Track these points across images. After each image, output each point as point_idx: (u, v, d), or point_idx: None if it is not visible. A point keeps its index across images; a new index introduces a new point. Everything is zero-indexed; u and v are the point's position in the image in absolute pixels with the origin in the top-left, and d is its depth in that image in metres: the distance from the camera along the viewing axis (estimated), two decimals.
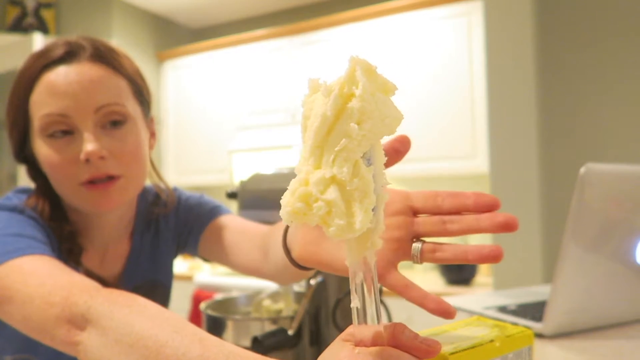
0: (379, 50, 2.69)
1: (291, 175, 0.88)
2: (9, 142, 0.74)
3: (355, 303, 0.37)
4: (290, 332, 0.71)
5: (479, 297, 0.98)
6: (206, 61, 3.27)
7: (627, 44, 2.44)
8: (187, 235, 0.86)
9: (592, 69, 2.50)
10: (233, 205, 0.94)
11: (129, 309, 0.51)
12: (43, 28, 3.08)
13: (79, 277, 0.58)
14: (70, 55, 0.69)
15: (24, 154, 0.73)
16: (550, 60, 2.56)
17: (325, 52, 2.84)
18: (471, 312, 0.87)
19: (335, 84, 0.35)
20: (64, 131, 0.67)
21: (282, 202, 0.33)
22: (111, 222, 0.77)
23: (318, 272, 0.76)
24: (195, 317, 2.67)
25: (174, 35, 3.63)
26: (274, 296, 0.90)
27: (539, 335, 0.75)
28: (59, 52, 0.69)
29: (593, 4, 2.50)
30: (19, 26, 3.07)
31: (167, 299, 0.90)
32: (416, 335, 0.38)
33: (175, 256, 0.89)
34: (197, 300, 2.66)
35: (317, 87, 0.36)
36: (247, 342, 0.71)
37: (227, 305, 0.90)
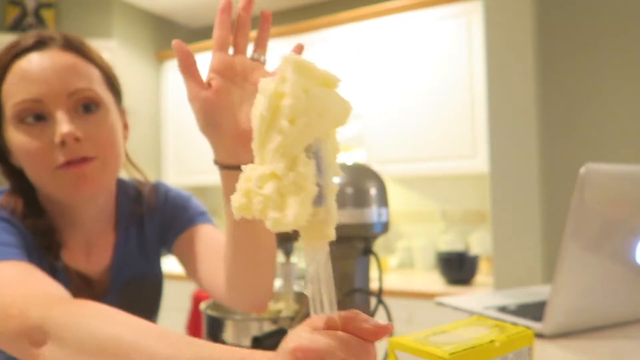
0: (379, 50, 2.69)
1: None
2: None
3: (310, 292, 0.40)
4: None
5: (479, 297, 0.98)
6: (206, 61, 3.26)
7: (627, 43, 2.44)
8: (167, 232, 0.85)
9: (592, 68, 2.50)
10: None
11: (90, 319, 0.50)
12: (43, 28, 3.09)
13: (42, 287, 0.57)
14: (41, 44, 0.69)
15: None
16: (550, 60, 2.56)
17: (325, 52, 2.84)
18: (471, 312, 0.87)
19: (272, 84, 0.35)
20: (38, 117, 0.67)
21: (231, 197, 0.35)
22: (91, 213, 0.76)
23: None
24: (195, 317, 2.67)
25: (174, 35, 3.62)
26: (274, 296, 0.90)
27: (539, 335, 0.75)
28: (30, 41, 0.69)
29: (593, 4, 2.50)
30: (19, 26, 3.07)
31: (159, 294, 0.88)
32: (368, 319, 0.40)
33: (162, 251, 0.87)
34: (197, 300, 2.65)
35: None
36: (247, 342, 0.71)
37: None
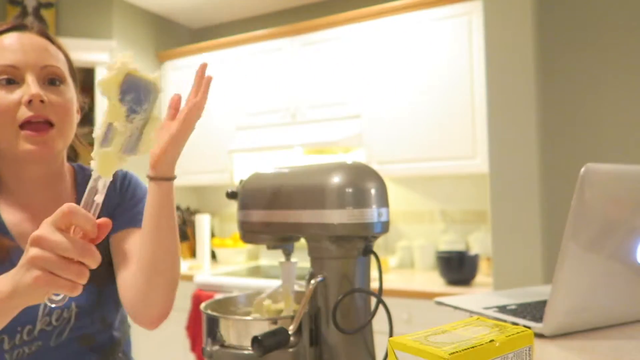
0: (379, 50, 2.69)
1: (291, 175, 0.88)
2: None
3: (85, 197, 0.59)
4: (290, 332, 0.71)
5: (479, 297, 0.98)
6: (206, 61, 3.26)
7: (627, 43, 2.44)
8: (115, 216, 0.92)
9: (591, 68, 2.50)
10: (233, 205, 0.94)
11: None
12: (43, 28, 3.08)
13: None
14: (22, 26, 0.85)
15: None
16: (550, 60, 2.56)
17: (325, 52, 2.84)
18: (471, 312, 0.87)
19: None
20: (10, 80, 0.80)
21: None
22: (38, 174, 0.87)
23: (318, 272, 0.76)
24: (195, 317, 2.67)
25: (174, 35, 3.63)
26: (274, 296, 0.90)
27: (539, 335, 0.75)
28: (13, 23, 0.85)
29: (593, 4, 2.50)
30: None
31: (110, 261, 0.91)
32: (89, 219, 0.57)
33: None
34: (197, 300, 2.66)
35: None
36: (247, 342, 0.71)
37: (227, 305, 0.90)
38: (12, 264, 0.65)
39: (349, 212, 0.71)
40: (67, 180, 0.93)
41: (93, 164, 0.58)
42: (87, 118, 3.38)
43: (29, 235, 0.60)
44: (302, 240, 0.81)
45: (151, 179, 0.81)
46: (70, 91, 0.86)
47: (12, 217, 0.85)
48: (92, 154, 0.58)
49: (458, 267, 2.28)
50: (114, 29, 3.16)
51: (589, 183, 0.68)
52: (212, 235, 3.44)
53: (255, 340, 0.67)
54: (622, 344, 0.71)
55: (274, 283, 0.87)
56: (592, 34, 2.50)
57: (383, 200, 0.74)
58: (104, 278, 0.88)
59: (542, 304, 0.88)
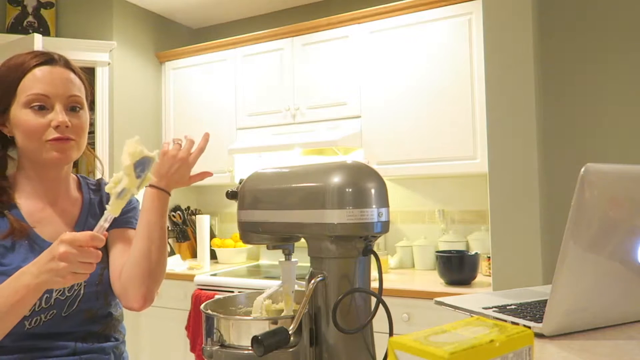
0: (379, 50, 2.69)
1: (291, 175, 0.88)
2: None
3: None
4: (290, 332, 0.71)
5: (479, 297, 0.98)
6: (206, 61, 3.27)
7: (627, 44, 2.44)
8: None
9: (591, 68, 2.50)
10: (233, 205, 0.95)
11: None
12: (43, 28, 3.09)
13: None
14: (51, 60, 1.04)
15: None
16: (550, 61, 2.56)
17: (325, 52, 2.84)
18: (471, 312, 0.87)
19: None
20: (41, 107, 1.01)
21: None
22: (56, 175, 1.09)
23: (318, 272, 0.76)
24: (195, 317, 2.67)
25: (174, 35, 3.63)
26: (274, 296, 0.90)
27: (539, 335, 0.75)
28: (44, 57, 1.03)
29: (593, 5, 2.50)
30: (19, 26, 3.07)
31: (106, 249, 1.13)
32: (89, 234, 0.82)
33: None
34: (197, 300, 2.66)
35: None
36: (247, 342, 0.71)
37: (227, 305, 0.90)
38: (30, 241, 1.00)
39: (349, 212, 0.71)
40: (73, 182, 1.16)
41: (108, 208, 0.82)
42: None
43: (41, 221, 1.04)
44: (302, 240, 0.81)
45: (157, 188, 1.08)
46: (86, 113, 1.08)
47: (29, 208, 1.06)
48: (110, 203, 0.82)
49: (458, 267, 2.28)
50: (114, 29, 3.16)
51: (589, 183, 0.68)
52: (212, 235, 3.44)
53: (255, 340, 0.67)
54: (622, 344, 0.71)
55: (274, 283, 0.87)
56: (592, 34, 2.50)
57: (383, 200, 0.74)
58: (104, 262, 1.09)
59: (542, 304, 0.88)
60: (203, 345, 0.79)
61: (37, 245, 1.02)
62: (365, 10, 2.72)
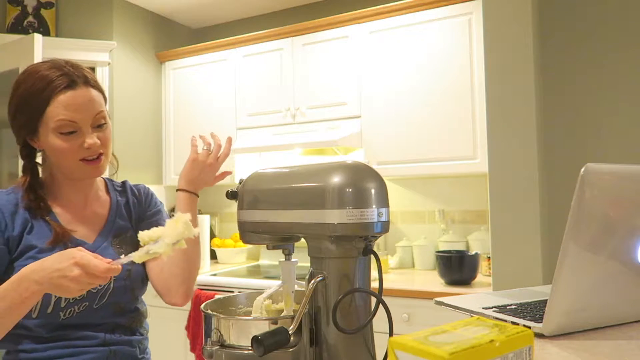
0: (379, 50, 2.69)
1: (291, 175, 0.88)
2: (15, 131, 1.10)
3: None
4: (290, 332, 0.71)
5: (479, 297, 0.98)
6: (206, 61, 3.27)
7: (627, 43, 2.44)
8: (141, 212, 1.26)
9: (591, 69, 2.50)
10: (233, 205, 0.95)
11: None
12: (43, 28, 3.09)
13: None
14: (73, 83, 1.05)
15: (25, 141, 1.10)
16: (550, 60, 2.56)
17: (325, 52, 2.84)
18: (471, 312, 0.87)
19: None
20: (71, 131, 1.05)
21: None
22: (90, 183, 1.18)
23: (318, 272, 0.76)
24: (195, 317, 2.67)
25: (174, 35, 3.63)
26: (274, 296, 0.90)
27: (539, 335, 0.75)
28: (65, 81, 1.05)
29: (593, 5, 2.50)
30: (19, 26, 3.07)
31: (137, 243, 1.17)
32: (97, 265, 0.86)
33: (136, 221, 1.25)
34: (197, 300, 2.66)
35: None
36: (247, 342, 0.71)
37: (227, 305, 0.90)
38: (65, 246, 1.06)
39: (349, 212, 0.71)
40: (100, 184, 1.23)
41: (135, 256, 0.86)
42: None
43: (74, 224, 1.12)
44: (302, 240, 0.81)
45: (185, 191, 1.19)
46: (109, 124, 1.13)
47: (63, 212, 1.13)
48: (139, 254, 0.87)
49: (458, 267, 2.28)
50: (114, 29, 3.16)
51: (589, 183, 0.68)
52: (213, 235, 3.44)
53: (255, 340, 0.67)
54: (622, 344, 0.71)
55: (274, 283, 0.87)
56: (592, 34, 2.50)
57: (383, 200, 0.74)
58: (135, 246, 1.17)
59: (542, 304, 0.88)
60: (203, 345, 0.79)
61: (72, 247, 1.08)
62: (365, 10, 2.72)
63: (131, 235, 1.20)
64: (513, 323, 0.79)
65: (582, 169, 0.68)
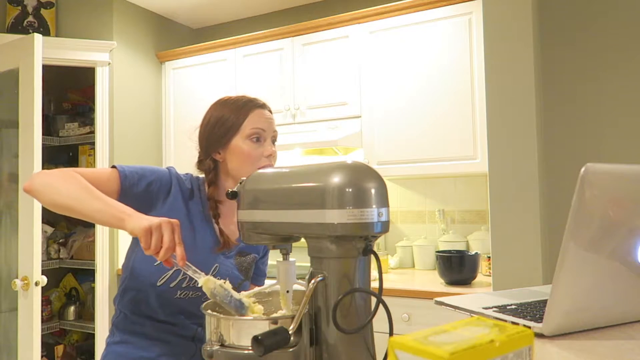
0: (379, 50, 2.69)
1: (291, 175, 0.88)
2: (208, 144, 1.30)
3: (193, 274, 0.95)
4: (290, 332, 0.71)
5: (479, 297, 0.98)
6: (206, 61, 3.27)
7: (627, 43, 2.44)
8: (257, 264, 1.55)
9: (591, 69, 2.50)
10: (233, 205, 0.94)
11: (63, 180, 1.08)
12: (43, 28, 3.09)
13: (91, 174, 1.15)
14: (262, 105, 1.32)
15: (211, 150, 1.29)
16: (550, 60, 2.56)
17: (326, 52, 2.84)
18: (471, 312, 0.87)
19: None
20: (258, 139, 1.26)
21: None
22: None
23: (318, 272, 0.76)
24: None
25: (174, 35, 3.63)
26: (260, 296, 0.90)
27: (539, 335, 0.75)
28: (258, 102, 1.31)
29: (593, 4, 2.50)
30: (19, 26, 3.07)
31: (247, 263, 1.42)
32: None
33: None
34: None
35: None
36: (247, 342, 0.71)
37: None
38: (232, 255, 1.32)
39: (349, 212, 0.71)
40: None
41: (201, 281, 0.89)
42: (88, 118, 3.37)
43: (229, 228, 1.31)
44: (302, 240, 0.81)
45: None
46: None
47: (225, 220, 1.29)
48: (208, 287, 0.88)
49: (458, 267, 2.28)
50: (114, 29, 3.16)
51: (589, 183, 0.68)
52: None
53: (255, 340, 0.67)
54: (622, 344, 0.71)
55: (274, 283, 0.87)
56: (592, 34, 2.50)
57: (383, 200, 0.74)
58: (246, 278, 1.38)
59: (542, 304, 0.88)
60: (203, 345, 0.79)
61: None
62: (365, 10, 2.72)
63: (251, 260, 1.42)
64: (513, 323, 0.79)
65: (582, 169, 0.68)
